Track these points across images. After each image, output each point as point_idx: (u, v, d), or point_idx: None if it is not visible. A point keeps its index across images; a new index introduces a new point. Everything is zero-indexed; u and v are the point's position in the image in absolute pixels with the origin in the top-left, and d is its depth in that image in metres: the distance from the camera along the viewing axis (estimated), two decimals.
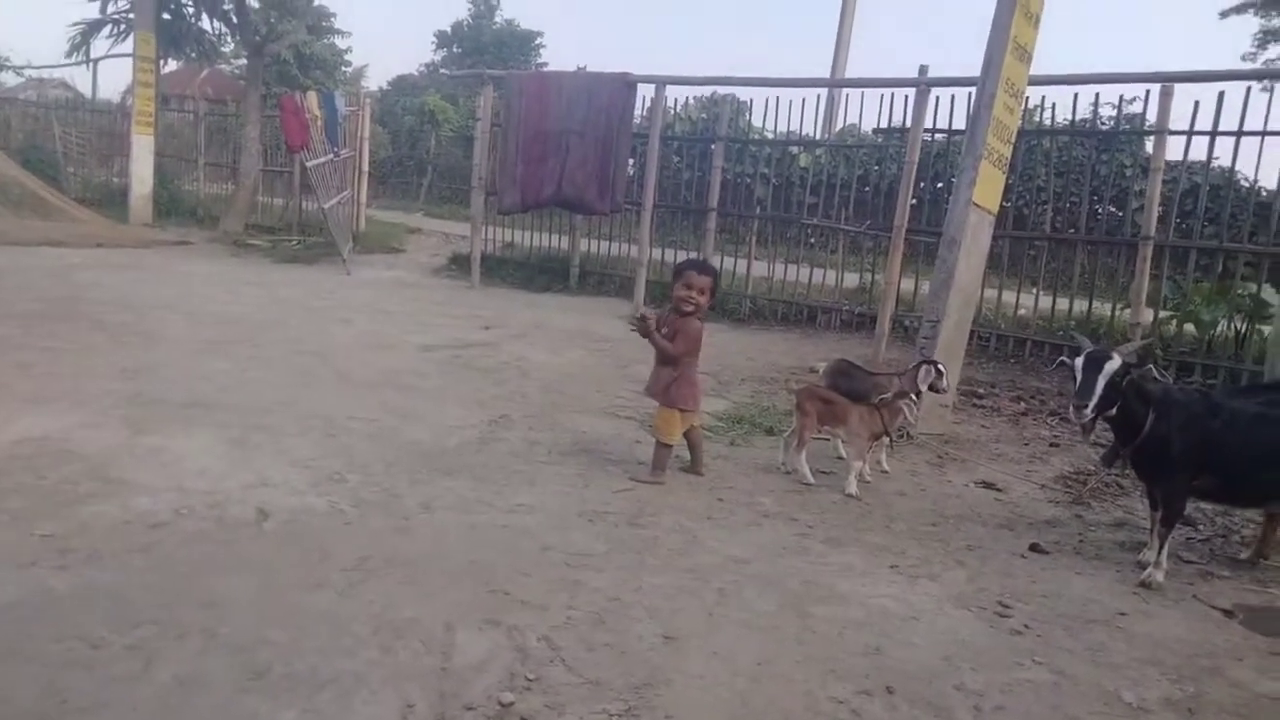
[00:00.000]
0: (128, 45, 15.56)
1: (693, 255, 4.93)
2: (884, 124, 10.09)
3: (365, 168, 14.46)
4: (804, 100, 10.53)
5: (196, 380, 5.57)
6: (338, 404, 5.30)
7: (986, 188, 5.67)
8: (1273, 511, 4.14)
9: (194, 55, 18.28)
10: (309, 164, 12.01)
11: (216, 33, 17.47)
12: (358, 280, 11.14)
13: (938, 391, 5.10)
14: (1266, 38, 20.92)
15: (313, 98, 12.53)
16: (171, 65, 21.69)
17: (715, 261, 10.84)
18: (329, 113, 12.56)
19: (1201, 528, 4.59)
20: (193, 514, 3.53)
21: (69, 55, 17.23)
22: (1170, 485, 3.83)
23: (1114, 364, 3.71)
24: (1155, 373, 4.01)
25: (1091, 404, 3.72)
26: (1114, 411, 3.80)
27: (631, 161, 11.37)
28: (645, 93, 10.48)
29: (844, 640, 3.03)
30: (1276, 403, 3.90)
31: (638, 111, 10.72)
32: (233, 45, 20.11)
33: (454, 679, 2.55)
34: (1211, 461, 3.78)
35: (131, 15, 15.44)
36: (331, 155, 12.67)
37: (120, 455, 4.10)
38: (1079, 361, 3.81)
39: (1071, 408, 3.85)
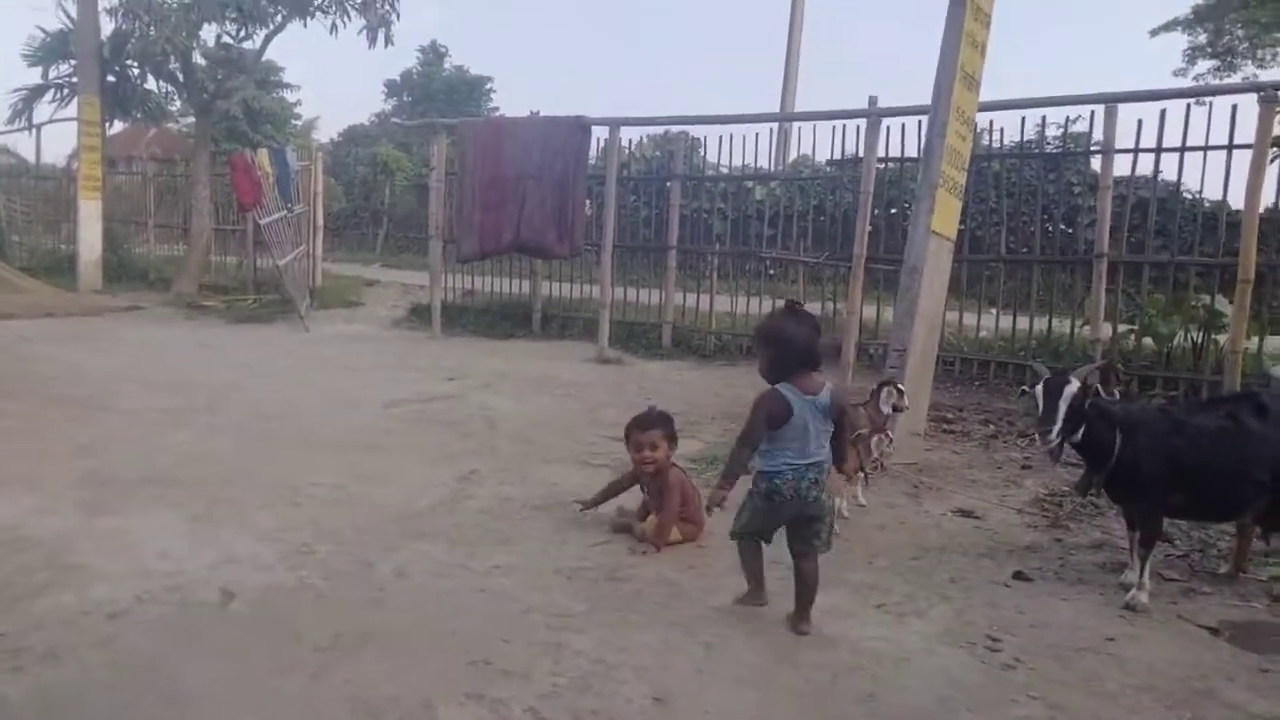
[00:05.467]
0: (72, 109, 15.32)
1: (647, 407, 4.53)
2: (837, 155, 10.21)
3: (320, 222, 14.30)
4: (757, 135, 10.64)
5: (155, 453, 5.40)
6: (303, 470, 5.16)
7: (944, 215, 5.73)
8: (1242, 524, 4.16)
9: (140, 116, 18.04)
10: (262, 221, 11.86)
11: (163, 92, 17.27)
12: (317, 337, 10.97)
13: (899, 410, 5.10)
14: (1194, 53, 21.63)
15: (264, 155, 12.41)
16: (118, 126, 21.40)
17: (677, 298, 10.88)
18: (281, 169, 12.44)
19: (1179, 543, 4.60)
20: (154, 599, 3.38)
21: (10, 121, 16.89)
22: (1146, 507, 3.84)
23: (1073, 388, 3.74)
24: (1101, 392, 4.00)
25: (1055, 429, 3.74)
26: (1080, 438, 3.81)
27: (589, 203, 11.38)
28: (599, 134, 10.52)
29: (837, 689, 2.97)
30: (1235, 415, 3.94)
31: (592, 153, 10.76)
32: (180, 104, 19.92)
33: None
34: (1180, 479, 3.80)
35: (75, 80, 15.22)
36: (285, 212, 12.53)
37: (77, 539, 3.94)
38: (1039, 389, 3.83)
39: (1037, 435, 3.87)
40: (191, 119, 20.61)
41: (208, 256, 15.05)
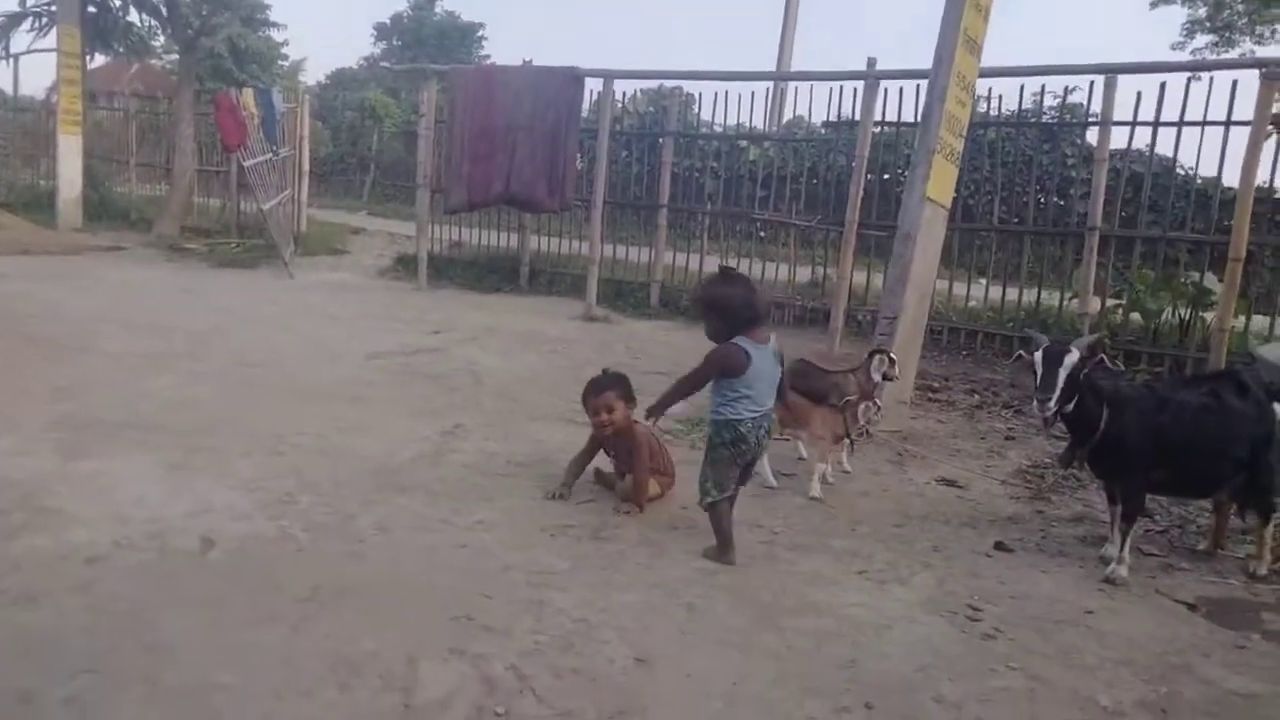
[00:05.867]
0: (51, 39, 14.86)
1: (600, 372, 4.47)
2: (832, 117, 10.09)
3: (306, 167, 14.09)
4: (752, 93, 10.51)
5: (134, 398, 5.32)
6: (284, 419, 5.10)
7: (939, 182, 5.67)
8: (1219, 501, 4.20)
9: (122, 51, 17.56)
10: (247, 163, 11.64)
11: (146, 26, 16.80)
12: (301, 284, 10.83)
13: (889, 380, 5.09)
14: (1193, 27, 21.47)
15: (249, 95, 12.14)
16: (99, 60, 20.85)
17: (667, 257, 10.79)
18: (266, 110, 12.19)
19: (1158, 519, 4.64)
20: (132, 545, 3.34)
21: None
22: (1129, 482, 3.85)
23: (1073, 357, 3.72)
24: (1107, 363, 4.04)
25: (1054, 397, 3.72)
26: (1071, 409, 3.80)
27: (580, 157, 11.23)
28: (593, 86, 10.35)
29: (819, 654, 2.97)
30: (1216, 393, 3.95)
31: (585, 106, 10.59)
32: (164, 40, 19.42)
33: (417, 718, 2.43)
34: (1163, 455, 3.81)
35: (54, 9, 14.76)
36: (270, 154, 12.31)
37: (54, 483, 3.88)
38: (1038, 356, 3.81)
39: (1035, 402, 3.85)
40: (175, 55, 20.14)
41: (190, 198, 14.77)
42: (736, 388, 3.59)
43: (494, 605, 3.10)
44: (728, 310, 3.63)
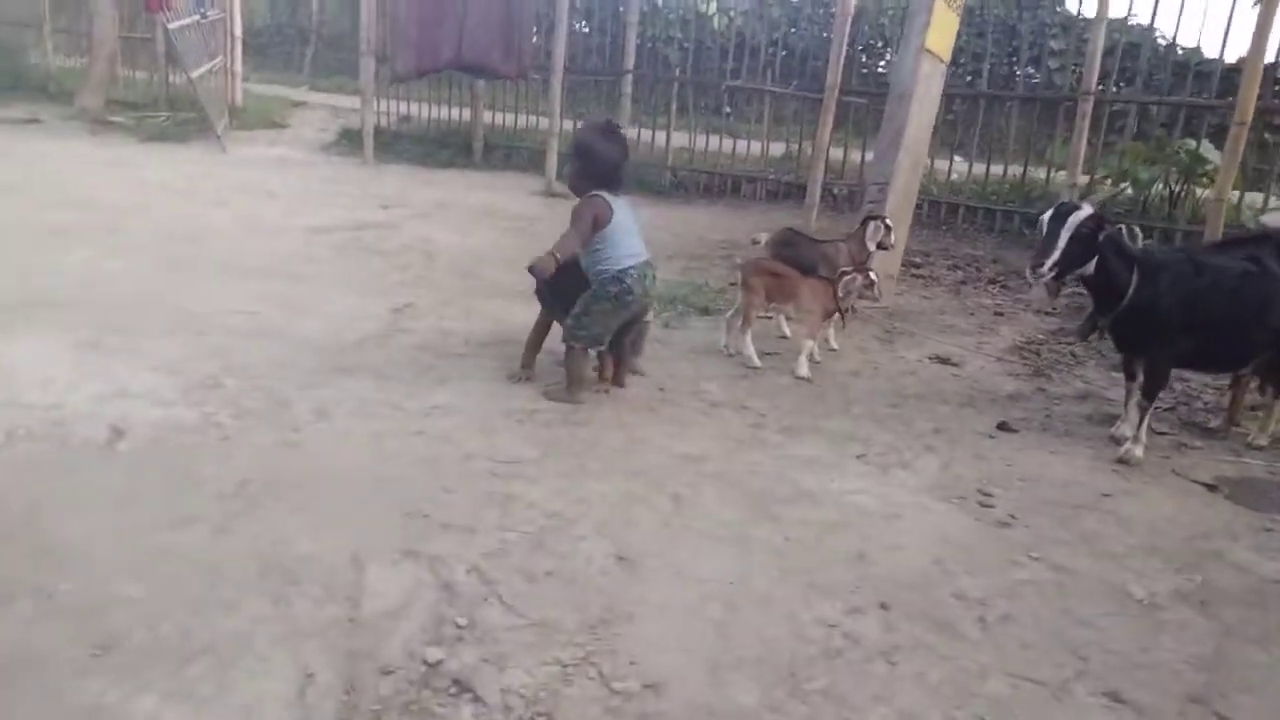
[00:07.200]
0: None
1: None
2: None
3: (238, 32, 12.93)
4: None
5: (43, 274, 4.72)
6: (214, 296, 4.57)
7: (940, 32, 5.12)
8: (1239, 375, 3.91)
9: None
10: (171, 26, 10.60)
11: None
12: (236, 159, 10.01)
13: (885, 249, 4.73)
14: None
15: None
16: None
17: (631, 133, 10.13)
18: None
19: (1164, 395, 4.35)
20: (30, 435, 2.87)
21: None
22: (1157, 354, 3.53)
23: (1080, 215, 3.34)
24: (1128, 230, 3.69)
25: (1049, 261, 3.36)
26: (1092, 273, 3.44)
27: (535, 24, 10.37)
28: None
29: (823, 548, 2.64)
30: (1257, 258, 3.60)
31: None
32: None
33: (365, 633, 2.06)
34: (1198, 325, 3.47)
35: None
36: (198, 17, 11.24)
37: None
38: (1046, 216, 3.44)
39: (1029, 268, 3.49)
40: None
41: (114, 68, 13.57)
42: (607, 238, 3.55)
43: (454, 499, 2.70)
44: (602, 163, 3.65)
